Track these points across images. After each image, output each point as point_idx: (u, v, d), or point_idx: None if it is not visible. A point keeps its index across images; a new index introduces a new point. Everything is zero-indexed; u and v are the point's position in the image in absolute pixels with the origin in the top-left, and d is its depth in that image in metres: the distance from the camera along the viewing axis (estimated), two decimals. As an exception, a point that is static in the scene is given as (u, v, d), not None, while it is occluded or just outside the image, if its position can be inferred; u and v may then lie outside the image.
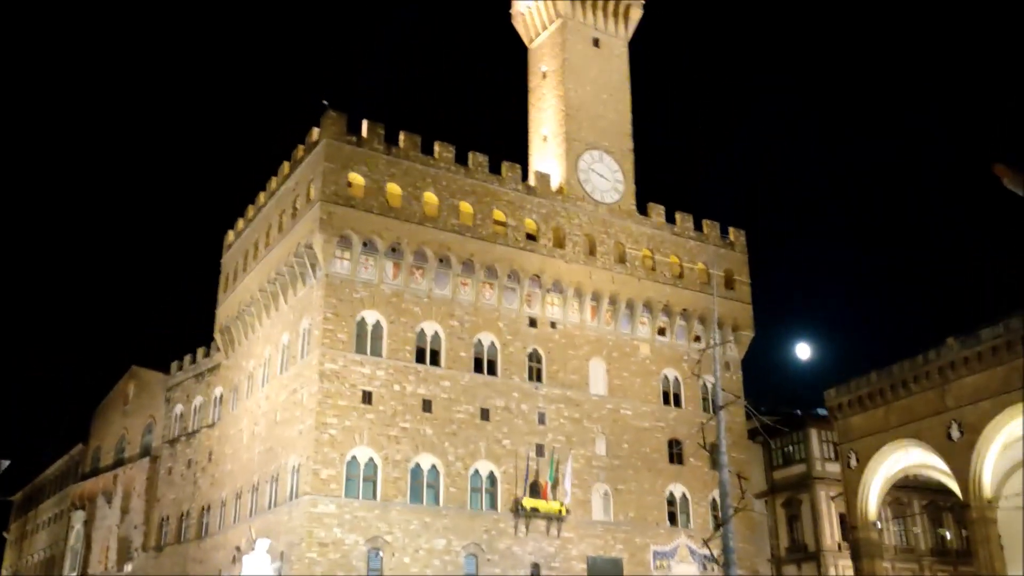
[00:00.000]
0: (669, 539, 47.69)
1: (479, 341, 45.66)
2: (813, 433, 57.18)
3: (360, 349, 42.42)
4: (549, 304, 48.06)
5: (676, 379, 51.13)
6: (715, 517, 46.96)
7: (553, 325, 48.00)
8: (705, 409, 50.55)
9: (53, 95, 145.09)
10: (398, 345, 43.30)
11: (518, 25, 57.81)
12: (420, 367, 43.47)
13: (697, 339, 51.95)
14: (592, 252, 49.68)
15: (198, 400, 56.32)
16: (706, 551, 42.91)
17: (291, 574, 38.77)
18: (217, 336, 55.01)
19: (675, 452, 49.78)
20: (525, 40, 57.73)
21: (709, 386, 50.24)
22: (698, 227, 53.96)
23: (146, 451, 59.43)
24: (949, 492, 48.60)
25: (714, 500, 48.41)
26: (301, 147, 46.42)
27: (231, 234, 56.03)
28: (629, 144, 54.19)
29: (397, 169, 44.83)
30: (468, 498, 42.90)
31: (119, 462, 61.85)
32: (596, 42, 55.41)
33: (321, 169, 43.09)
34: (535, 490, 44.22)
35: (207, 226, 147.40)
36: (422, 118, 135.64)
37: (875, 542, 49.47)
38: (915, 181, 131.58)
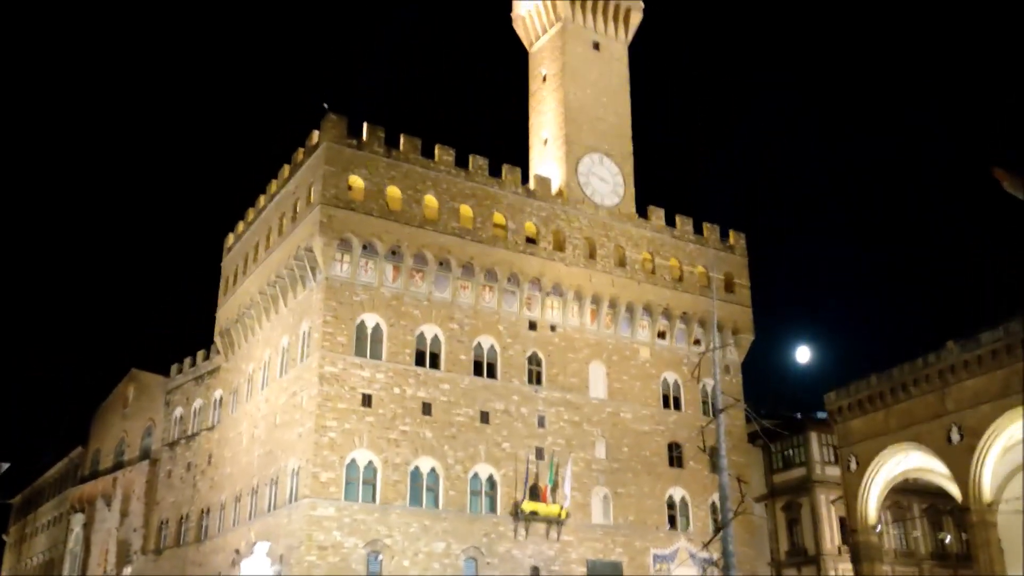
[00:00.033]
0: (669, 543, 47.62)
1: (479, 344, 45.63)
2: (813, 436, 57.17)
3: (360, 352, 42.39)
4: (549, 307, 48.03)
5: (676, 382, 51.09)
6: (715, 521, 46.88)
7: (553, 328, 47.98)
8: (705, 412, 50.47)
9: (54, 97, 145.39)
10: (398, 348, 43.28)
11: (518, 28, 57.89)
12: (420, 370, 43.44)
13: (697, 342, 51.93)
14: (592, 255, 49.65)
15: (198, 403, 56.27)
16: (706, 555, 42.89)
17: (290, 577, 38.75)
18: (217, 339, 54.97)
19: (675, 455, 49.74)
20: (525, 43, 57.80)
21: (709, 389, 50.21)
22: (698, 230, 53.93)
23: (145, 454, 59.37)
24: (949, 496, 48.60)
25: (714, 503, 48.34)
26: (301, 150, 46.42)
27: (231, 237, 56.01)
28: (629, 147, 54.25)
29: (397, 172, 44.83)
30: (468, 501, 42.84)
31: (118, 465, 61.78)
32: (596, 45, 55.48)
33: (321, 172, 43.09)
34: (535, 493, 44.11)
35: (207, 229, 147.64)
36: (422, 121, 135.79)
37: (875, 546, 49.50)
38: (915, 178, 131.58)
